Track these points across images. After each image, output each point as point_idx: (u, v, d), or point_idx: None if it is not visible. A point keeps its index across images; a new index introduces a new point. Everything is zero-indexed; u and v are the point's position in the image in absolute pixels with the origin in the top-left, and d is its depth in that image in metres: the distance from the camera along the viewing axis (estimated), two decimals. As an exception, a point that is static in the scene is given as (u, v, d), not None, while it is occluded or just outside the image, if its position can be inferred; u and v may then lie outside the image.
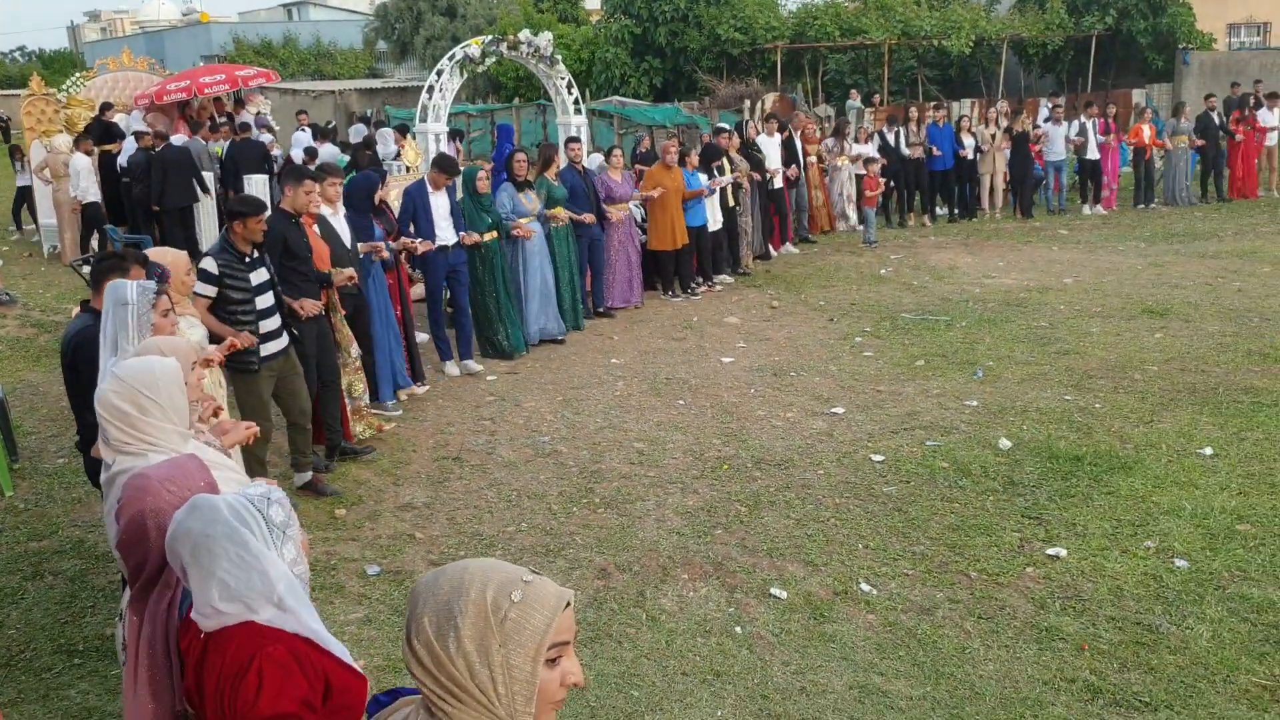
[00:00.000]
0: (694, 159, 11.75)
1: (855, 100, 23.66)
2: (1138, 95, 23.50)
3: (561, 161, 10.77)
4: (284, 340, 6.21)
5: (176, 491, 2.55)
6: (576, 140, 11.08)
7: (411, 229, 8.70)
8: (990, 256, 13.54)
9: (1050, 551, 5.37)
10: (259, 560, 2.23)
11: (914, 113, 16.70)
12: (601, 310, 11.00)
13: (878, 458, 6.73)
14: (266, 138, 16.00)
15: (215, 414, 3.87)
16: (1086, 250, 13.72)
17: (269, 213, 6.09)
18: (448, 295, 9.19)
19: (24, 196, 16.87)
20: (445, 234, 8.81)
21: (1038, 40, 26.25)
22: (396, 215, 8.88)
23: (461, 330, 9.18)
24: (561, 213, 9.98)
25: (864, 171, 15.12)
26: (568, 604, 1.67)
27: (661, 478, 6.56)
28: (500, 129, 21.38)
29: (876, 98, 24.52)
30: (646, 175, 11.50)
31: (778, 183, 13.80)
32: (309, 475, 6.49)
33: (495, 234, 9.23)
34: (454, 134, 16.47)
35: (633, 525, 5.87)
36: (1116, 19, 25.65)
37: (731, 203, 12.50)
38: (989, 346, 9.23)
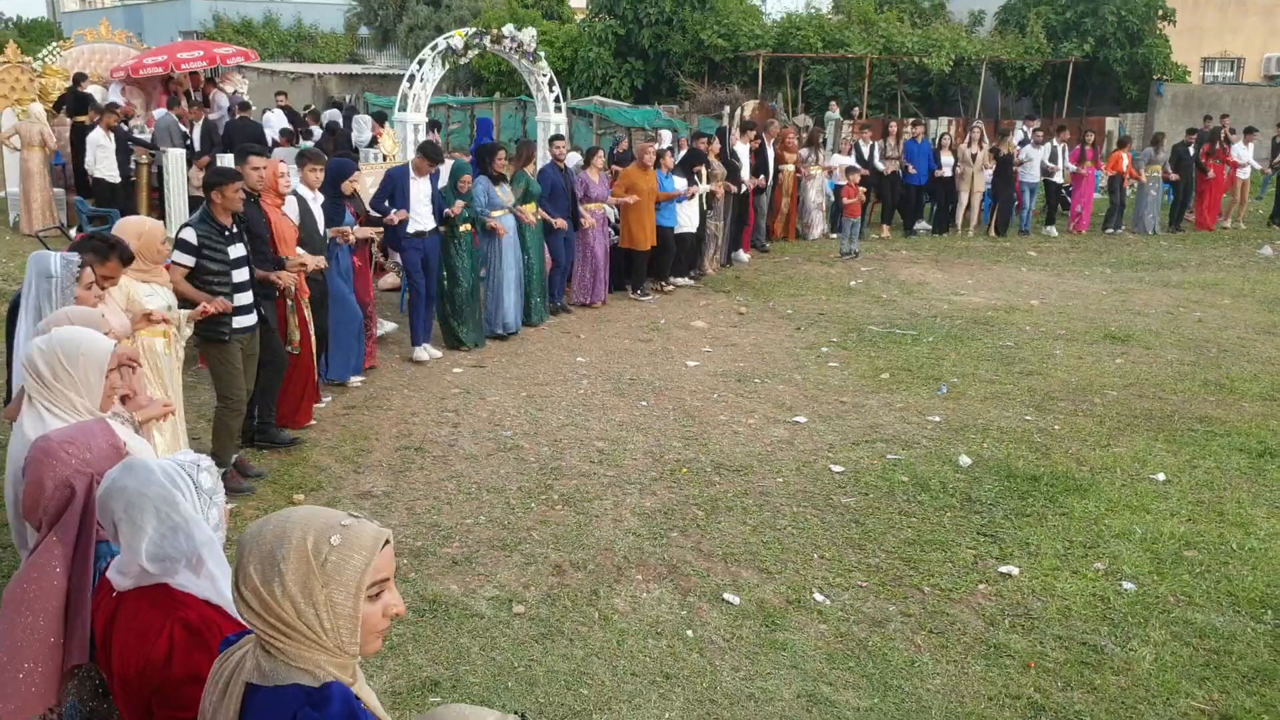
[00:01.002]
0: (669, 161, 11.80)
1: (834, 112, 23.81)
2: (1111, 123, 23.80)
3: (543, 159, 10.84)
4: (254, 318, 6.31)
5: (75, 453, 2.59)
6: (561, 138, 11.11)
7: (387, 206, 8.80)
8: (960, 274, 13.67)
9: (1003, 569, 5.43)
10: (188, 523, 2.30)
11: (893, 127, 16.85)
12: (560, 306, 11.00)
13: (837, 468, 6.78)
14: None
15: (123, 400, 3.87)
16: (1054, 273, 13.87)
17: (240, 180, 6.14)
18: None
19: None
20: (423, 220, 8.90)
21: (1016, 63, 26.53)
22: (367, 203, 8.92)
23: (425, 315, 9.27)
24: (529, 215, 10.01)
25: (843, 181, 15.25)
26: (386, 542, 1.81)
27: (620, 478, 6.58)
28: (480, 122, 21.37)
29: (856, 110, 24.68)
30: (621, 175, 11.53)
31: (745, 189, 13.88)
32: (236, 455, 6.47)
33: (469, 226, 9.32)
34: (432, 125, 16.40)
35: (590, 524, 5.88)
36: (1094, 46, 25.95)
37: (705, 207, 12.57)
38: (954, 363, 9.31)
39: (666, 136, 15.88)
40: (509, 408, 7.94)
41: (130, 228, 5.17)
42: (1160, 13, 26.19)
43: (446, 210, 8.99)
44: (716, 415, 7.85)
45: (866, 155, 16.08)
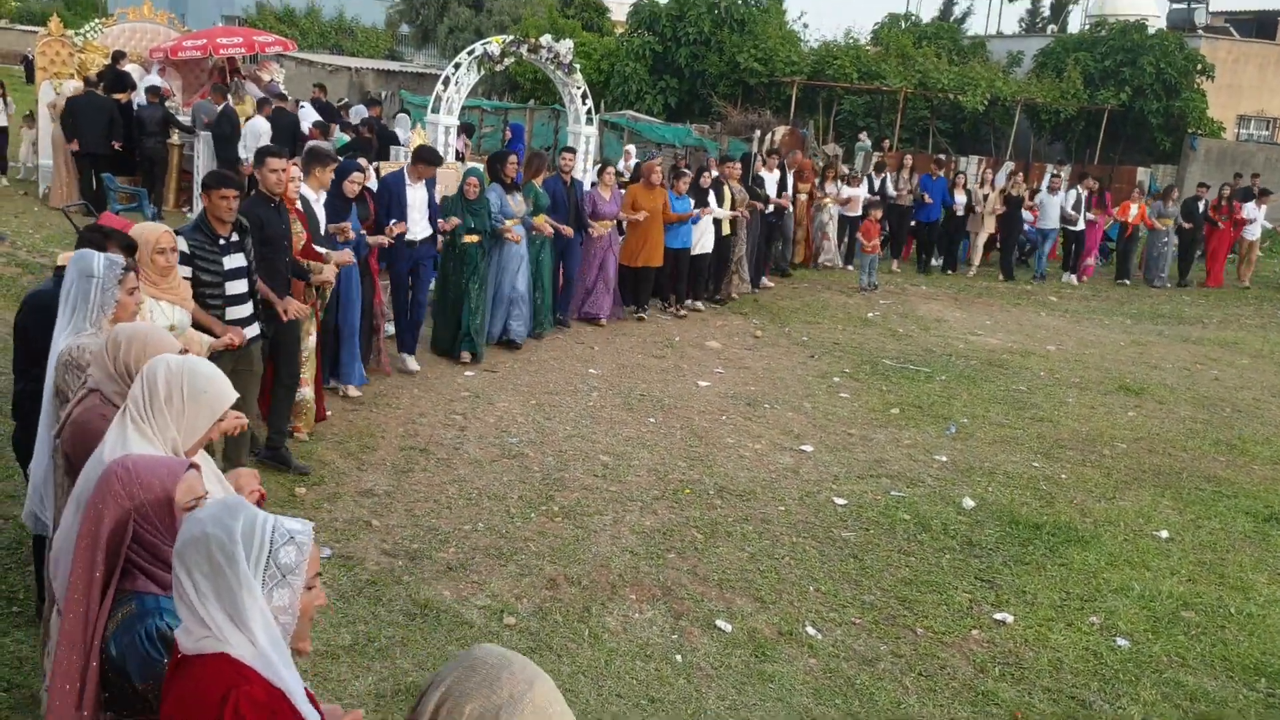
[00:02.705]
0: (682, 185, 11.50)
1: (865, 141, 23.82)
2: (1142, 173, 23.72)
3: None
4: (254, 330, 5.86)
5: (123, 489, 2.43)
6: (571, 151, 10.95)
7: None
8: (978, 313, 13.63)
9: (998, 616, 5.40)
10: (237, 582, 2.08)
11: (908, 160, 16.84)
12: (561, 319, 10.81)
13: (840, 501, 6.76)
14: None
15: None
16: (1072, 320, 13.82)
17: (233, 188, 5.58)
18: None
19: (3, 139, 16.56)
20: (417, 228, 8.64)
21: (1051, 107, 26.47)
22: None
23: (413, 323, 9.01)
24: (545, 225, 9.91)
25: (856, 213, 15.33)
26: None
27: (622, 494, 6.57)
28: (512, 128, 21.45)
29: (886, 142, 24.67)
30: (627, 193, 11.26)
31: (771, 209, 13.63)
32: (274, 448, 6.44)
33: (477, 238, 9.04)
34: (464, 128, 16.45)
35: (587, 538, 5.88)
36: (1131, 96, 25.89)
37: (726, 231, 12.39)
38: (965, 404, 9.28)
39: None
40: (517, 415, 7.95)
41: (136, 233, 4.84)
42: (1199, 67, 26.12)
43: (441, 221, 8.75)
44: (723, 438, 7.84)
45: (879, 187, 16.06)
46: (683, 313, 11.97)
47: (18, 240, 11.94)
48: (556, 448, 7.31)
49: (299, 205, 6.85)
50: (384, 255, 8.67)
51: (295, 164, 6.87)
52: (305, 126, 15.29)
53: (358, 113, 16.98)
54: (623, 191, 11.32)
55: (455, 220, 8.86)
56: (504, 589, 5.20)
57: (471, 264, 9.08)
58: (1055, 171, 17.38)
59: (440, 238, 8.98)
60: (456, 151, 13.18)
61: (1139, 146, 26.99)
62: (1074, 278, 16.96)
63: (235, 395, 2.97)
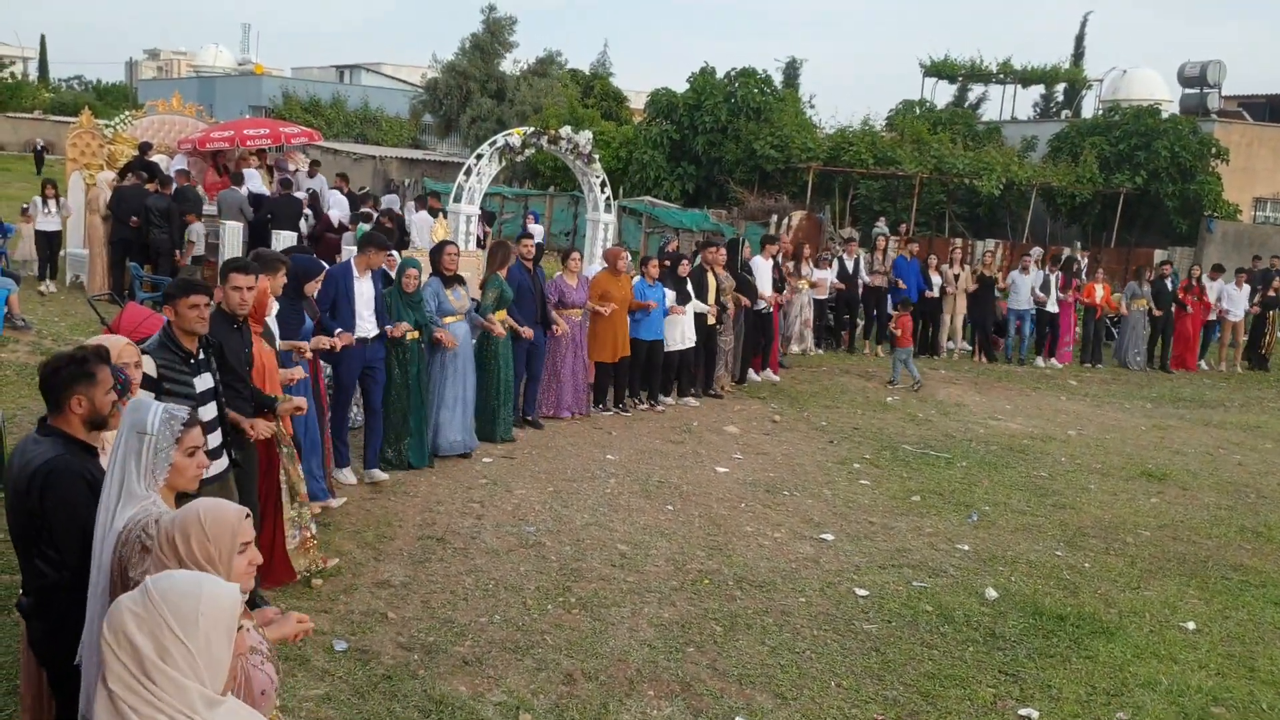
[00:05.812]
0: (653, 270, 11.00)
1: (882, 225, 24.05)
2: (1159, 255, 23.82)
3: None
4: (223, 462, 5.14)
5: None
6: (529, 237, 10.58)
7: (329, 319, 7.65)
8: (998, 398, 13.59)
9: (1023, 712, 5.29)
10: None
11: (879, 242, 16.88)
12: (530, 420, 10.12)
13: (862, 592, 6.68)
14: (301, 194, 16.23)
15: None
16: (1093, 404, 13.75)
17: (203, 294, 4.91)
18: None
19: (50, 242, 15.12)
20: (366, 325, 7.87)
21: (1067, 190, 26.67)
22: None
23: (371, 434, 8.24)
24: (498, 327, 9.29)
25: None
26: None
27: (640, 584, 6.52)
28: (533, 214, 21.84)
29: (903, 226, 24.90)
30: (593, 282, 10.69)
31: (762, 305, 12.97)
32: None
33: (416, 334, 8.33)
34: (486, 216, 16.69)
35: (605, 631, 5.82)
36: (1147, 179, 26.09)
37: (711, 321, 11.86)
38: (986, 491, 9.20)
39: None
40: (534, 502, 7.93)
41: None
42: (1213, 150, 26.35)
43: (388, 328, 7.98)
44: (743, 526, 7.79)
45: (851, 270, 15.91)
46: (653, 409, 11.29)
47: (42, 329, 12.12)
48: (574, 536, 7.28)
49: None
50: (329, 357, 7.67)
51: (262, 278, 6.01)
52: (339, 216, 15.56)
53: (390, 201, 17.23)
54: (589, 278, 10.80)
55: (406, 326, 8.12)
56: (520, 684, 5.14)
57: (413, 363, 8.39)
58: (1024, 254, 17.21)
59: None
60: (477, 238, 13.36)
61: (1155, 229, 27.14)
62: (1053, 361, 16.59)
63: (234, 587, 2.27)
